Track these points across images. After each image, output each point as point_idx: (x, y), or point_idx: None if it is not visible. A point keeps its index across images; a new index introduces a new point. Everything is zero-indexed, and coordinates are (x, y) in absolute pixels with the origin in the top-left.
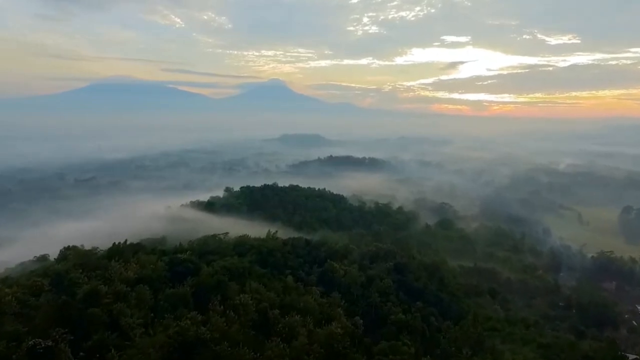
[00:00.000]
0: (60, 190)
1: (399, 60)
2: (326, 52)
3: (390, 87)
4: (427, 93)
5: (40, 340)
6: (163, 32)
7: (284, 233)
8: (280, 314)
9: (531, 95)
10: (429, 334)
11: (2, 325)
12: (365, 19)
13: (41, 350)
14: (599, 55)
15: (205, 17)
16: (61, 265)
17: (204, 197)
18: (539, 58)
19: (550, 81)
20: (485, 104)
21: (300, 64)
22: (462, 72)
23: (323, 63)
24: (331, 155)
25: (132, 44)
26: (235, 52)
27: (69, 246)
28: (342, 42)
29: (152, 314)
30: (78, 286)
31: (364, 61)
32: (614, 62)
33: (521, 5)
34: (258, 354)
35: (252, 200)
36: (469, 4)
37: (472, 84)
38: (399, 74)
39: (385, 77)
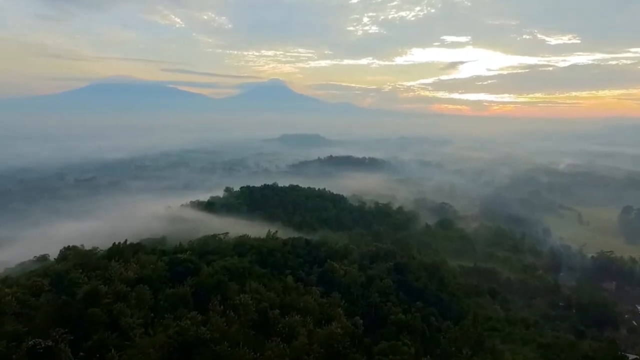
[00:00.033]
0: (60, 190)
1: (399, 60)
2: (326, 52)
3: (390, 87)
4: (427, 93)
5: (40, 340)
6: (163, 32)
7: (284, 233)
8: (280, 314)
9: (531, 95)
10: (429, 334)
11: (2, 325)
12: (365, 19)
13: (41, 350)
14: (599, 55)
15: (205, 17)
16: (61, 265)
17: (204, 197)
18: (539, 58)
19: (550, 81)
20: (485, 104)
21: (300, 64)
22: (462, 72)
23: (323, 63)
24: (331, 155)
25: (132, 44)
26: (235, 52)
27: (69, 246)
28: (342, 42)
29: (152, 314)
30: (78, 286)
31: (364, 61)
32: (614, 62)
33: (521, 5)
34: (258, 354)
35: (252, 200)
36: (469, 4)
37: (472, 84)
38: (399, 74)
39: (385, 77)
